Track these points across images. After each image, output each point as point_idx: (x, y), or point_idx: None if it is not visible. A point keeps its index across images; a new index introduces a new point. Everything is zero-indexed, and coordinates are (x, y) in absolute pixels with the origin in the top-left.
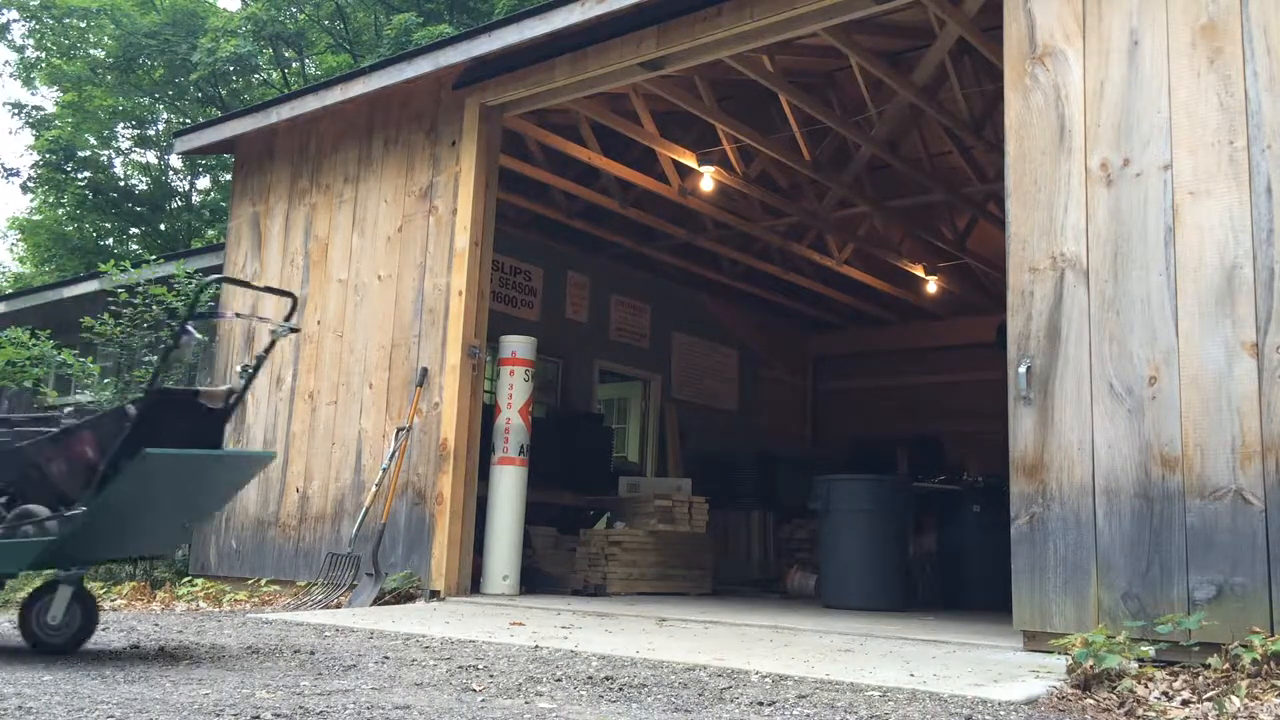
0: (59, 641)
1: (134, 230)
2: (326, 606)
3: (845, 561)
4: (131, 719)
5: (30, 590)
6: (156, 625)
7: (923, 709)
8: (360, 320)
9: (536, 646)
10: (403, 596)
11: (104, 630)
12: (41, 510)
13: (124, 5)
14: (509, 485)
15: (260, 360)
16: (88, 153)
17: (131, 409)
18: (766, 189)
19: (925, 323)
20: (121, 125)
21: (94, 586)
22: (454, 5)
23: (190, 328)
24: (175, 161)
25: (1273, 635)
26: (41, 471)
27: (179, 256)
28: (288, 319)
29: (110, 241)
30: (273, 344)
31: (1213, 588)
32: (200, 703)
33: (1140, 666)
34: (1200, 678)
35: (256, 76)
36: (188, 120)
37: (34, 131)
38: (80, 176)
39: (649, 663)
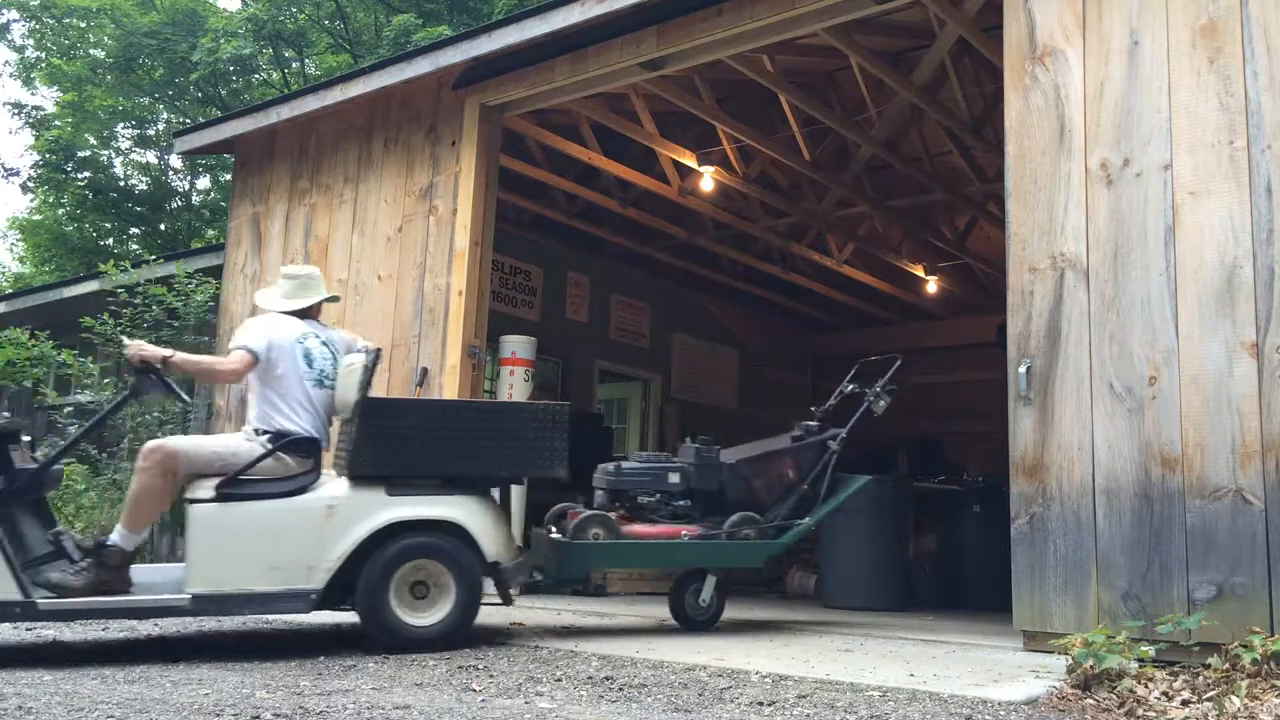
0: (704, 619)
1: (134, 230)
2: None
3: (845, 561)
4: (131, 719)
5: (677, 578)
6: (156, 625)
7: (923, 709)
8: (360, 320)
9: (536, 646)
10: None
11: (103, 630)
12: (758, 518)
13: (124, 5)
14: None
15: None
16: (88, 153)
17: (832, 443)
18: (766, 189)
19: (925, 323)
20: (121, 125)
21: None
22: (454, 5)
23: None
24: (175, 161)
25: (1273, 635)
26: (748, 485)
27: (179, 256)
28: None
29: (110, 241)
30: (866, 406)
31: (1213, 588)
32: (200, 703)
33: (1140, 666)
34: (1200, 678)
35: (256, 76)
36: (188, 120)
37: (34, 131)
38: (80, 176)
39: (649, 663)
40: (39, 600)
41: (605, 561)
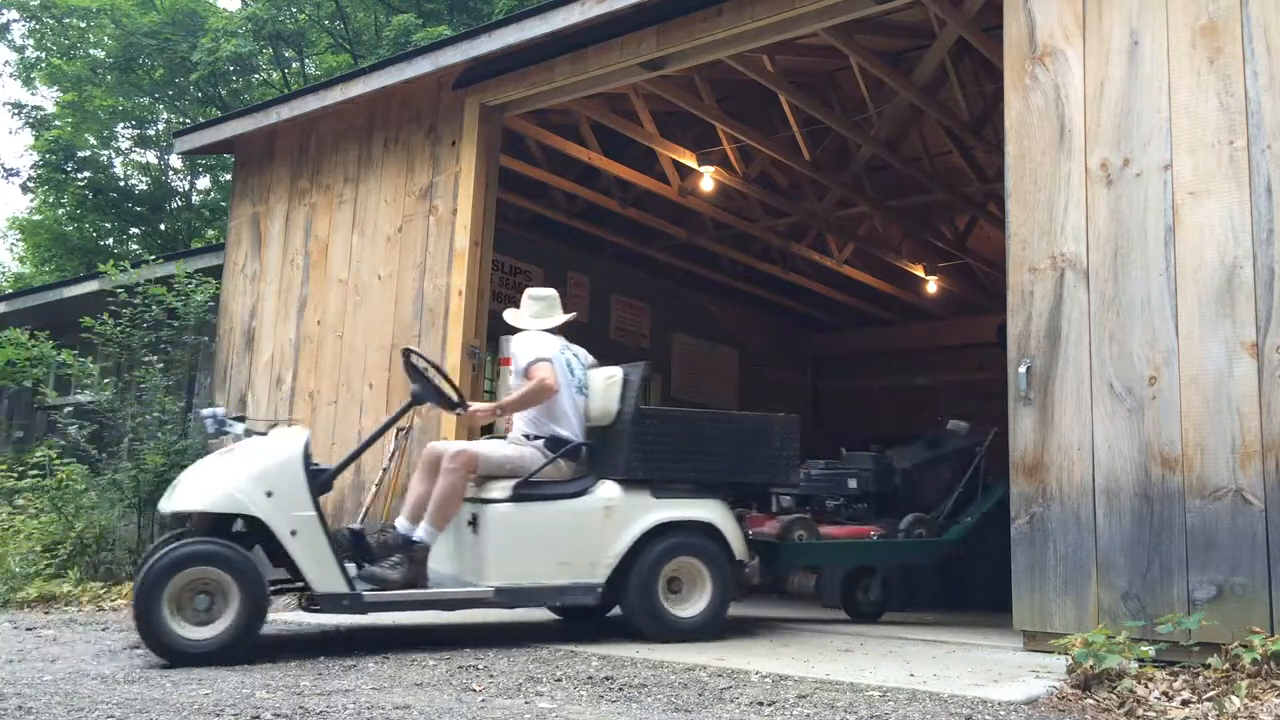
0: (871, 611)
1: (134, 230)
2: None
3: None
4: (131, 719)
5: (846, 575)
6: None
7: (923, 709)
8: (360, 320)
9: (536, 646)
10: None
11: (103, 630)
12: (927, 517)
13: (124, 5)
14: None
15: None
16: (88, 153)
17: (979, 449)
18: (766, 189)
19: (925, 323)
20: (121, 125)
21: (95, 586)
22: (454, 5)
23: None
24: (175, 161)
25: (1273, 635)
26: (918, 487)
27: (179, 256)
28: None
29: (110, 241)
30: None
31: (1213, 588)
32: (200, 703)
33: (1140, 666)
34: (1200, 678)
35: (256, 76)
36: (188, 120)
37: (34, 131)
38: (80, 176)
39: (649, 663)
40: (364, 593)
41: (809, 559)
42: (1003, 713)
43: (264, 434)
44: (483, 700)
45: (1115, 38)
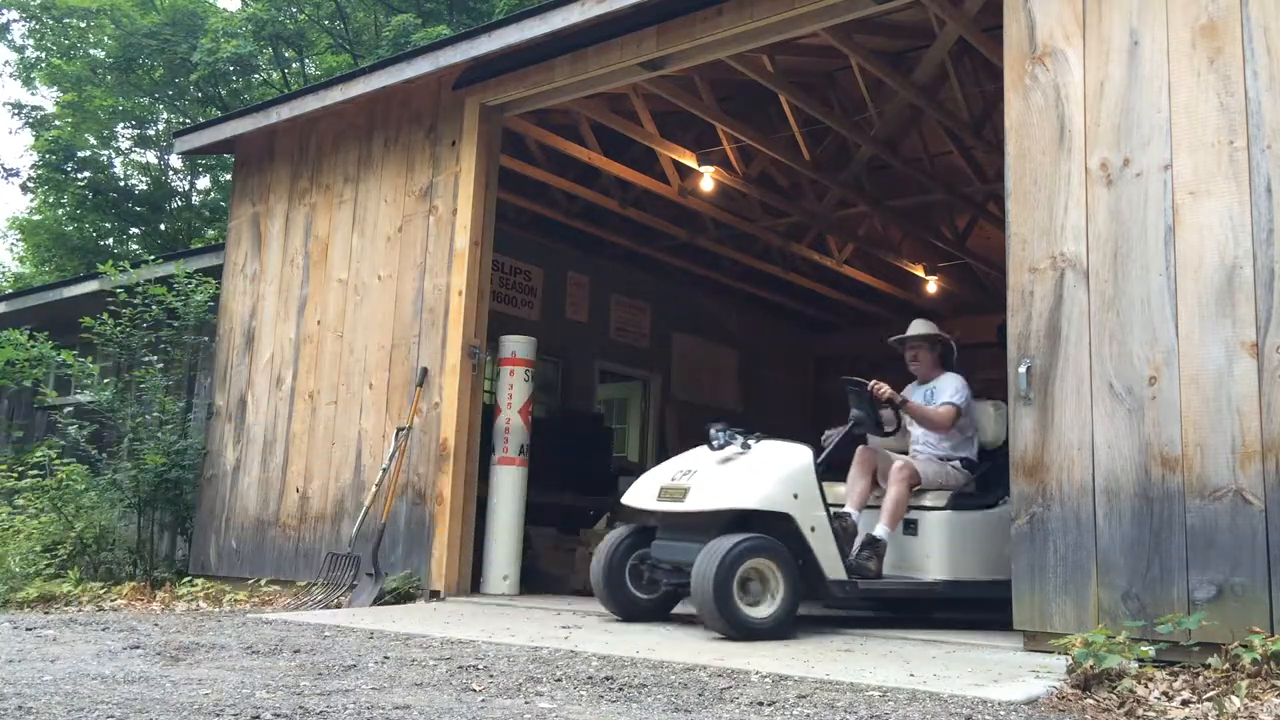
0: None
1: (134, 230)
2: (326, 606)
3: None
4: (131, 719)
5: None
6: (157, 625)
7: (923, 709)
8: (360, 320)
9: (536, 646)
10: (402, 596)
11: (103, 630)
12: None
13: (124, 5)
14: (509, 485)
15: None
16: (88, 153)
17: None
18: (766, 189)
19: None
20: (121, 125)
21: (95, 586)
22: (454, 5)
23: None
24: (175, 161)
25: (1273, 635)
26: None
27: (179, 256)
28: None
29: (110, 241)
30: None
31: (1213, 588)
32: (200, 703)
33: (1140, 666)
34: (1200, 678)
35: (256, 76)
36: (188, 120)
37: (34, 131)
38: (80, 176)
39: (649, 663)
40: (859, 582)
41: None
42: (1003, 713)
43: (750, 447)
44: (483, 700)
45: (1115, 38)
